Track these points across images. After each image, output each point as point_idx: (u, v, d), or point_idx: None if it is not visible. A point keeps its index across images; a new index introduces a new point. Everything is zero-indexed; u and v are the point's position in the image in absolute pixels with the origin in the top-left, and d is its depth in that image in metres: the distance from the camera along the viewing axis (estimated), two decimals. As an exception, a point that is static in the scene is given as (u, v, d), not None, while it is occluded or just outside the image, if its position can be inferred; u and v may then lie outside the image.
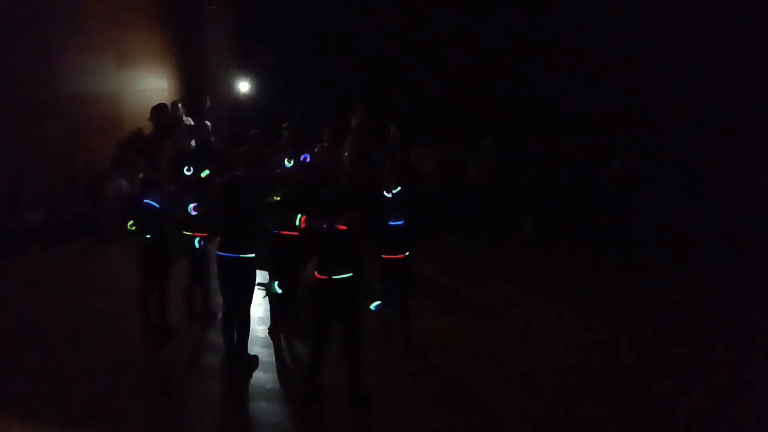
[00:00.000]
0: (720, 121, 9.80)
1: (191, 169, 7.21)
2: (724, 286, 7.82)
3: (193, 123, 11.68)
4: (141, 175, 9.79)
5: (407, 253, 6.12)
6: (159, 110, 11.52)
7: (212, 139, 11.42)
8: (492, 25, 11.43)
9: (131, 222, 6.58)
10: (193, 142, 11.32)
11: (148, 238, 6.29)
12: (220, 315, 6.39)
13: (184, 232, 6.69)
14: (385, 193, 6.42)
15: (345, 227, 5.02)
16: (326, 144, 10.66)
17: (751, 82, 9.60)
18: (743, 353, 6.08)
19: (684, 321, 6.82)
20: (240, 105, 12.79)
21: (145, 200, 6.34)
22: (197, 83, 13.07)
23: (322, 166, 9.53)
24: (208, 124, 11.37)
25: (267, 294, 6.59)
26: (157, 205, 6.31)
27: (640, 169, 9.77)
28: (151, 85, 12.31)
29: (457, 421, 4.99)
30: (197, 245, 6.57)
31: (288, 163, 7.87)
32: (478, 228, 9.86)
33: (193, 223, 6.64)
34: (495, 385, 5.48)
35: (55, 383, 5.55)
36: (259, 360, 5.92)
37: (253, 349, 6.07)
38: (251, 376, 5.67)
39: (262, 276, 6.32)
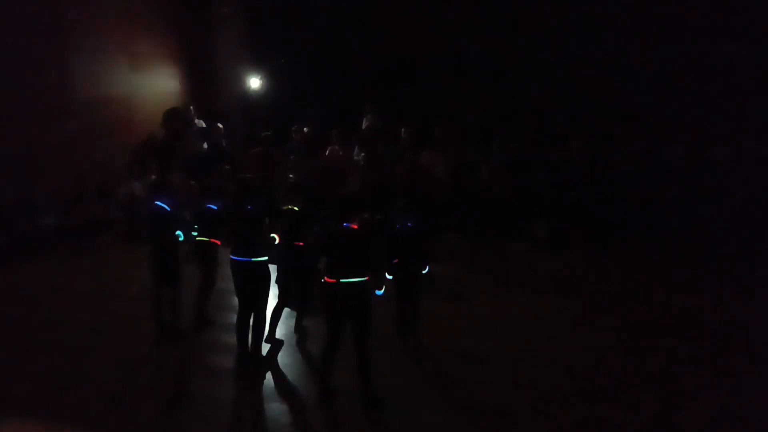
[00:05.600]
0: (731, 123, 9.76)
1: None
2: (738, 290, 7.75)
3: (204, 125, 11.75)
4: (153, 177, 9.88)
5: (417, 258, 6.19)
6: (171, 114, 11.61)
7: (224, 141, 11.48)
8: (503, 27, 11.43)
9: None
10: (205, 145, 11.39)
11: (159, 240, 6.32)
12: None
13: (198, 238, 6.69)
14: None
15: (356, 226, 5.04)
16: (336, 146, 10.68)
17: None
18: (753, 358, 6.04)
19: (693, 323, 6.77)
20: (251, 107, 12.86)
21: (156, 202, 6.38)
22: (209, 86, 13.15)
23: (333, 168, 9.57)
24: (220, 126, 11.44)
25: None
26: (167, 208, 6.34)
27: (651, 171, 9.71)
28: (163, 87, 12.39)
29: (467, 423, 4.98)
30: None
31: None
32: (490, 230, 9.84)
33: (207, 228, 6.67)
34: (506, 388, 5.47)
35: (69, 384, 5.60)
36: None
37: (264, 350, 6.08)
38: (264, 377, 5.69)
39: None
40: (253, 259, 5.65)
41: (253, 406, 5.28)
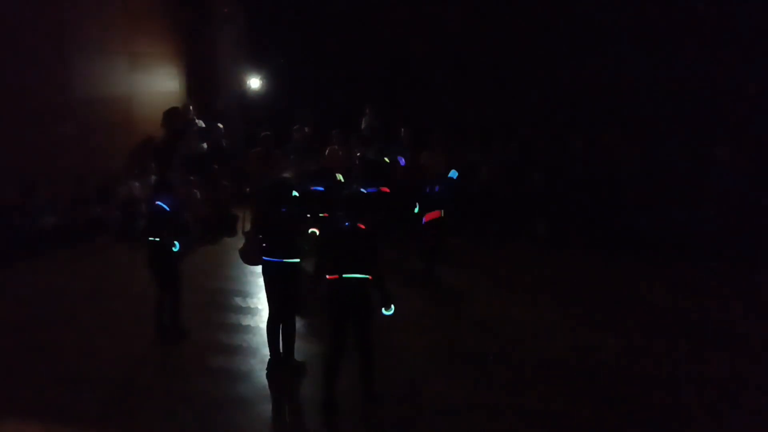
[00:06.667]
0: (731, 123, 9.77)
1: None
2: (738, 290, 7.75)
3: (204, 125, 11.75)
4: (153, 177, 9.88)
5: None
6: (171, 113, 11.61)
7: (224, 141, 11.49)
8: (503, 28, 11.44)
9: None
10: (204, 144, 11.41)
11: (158, 240, 6.30)
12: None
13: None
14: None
15: (364, 226, 5.04)
16: (336, 146, 10.67)
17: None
18: (754, 358, 6.04)
19: (693, 324, 6.78)
20: (251, 107, 12.86)
21: (157, 202, 6.37)
22: (208, 85, 13.15)
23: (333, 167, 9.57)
24: (220, 126, 11.44)
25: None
26: (167, 208, 6.33)
27: (651, 171, 9.72)
28: (163, 87, 12.39)
29: (467, 423, 4.98)
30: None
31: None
32: (490, 230, 9.84)
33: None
34: (506, 388, 5.47)
35: (68, 385, 5.59)
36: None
37: (264, 350, 6.06)
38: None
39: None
40: (286, 260, 5.56)
41: (252, 406, 5.27)
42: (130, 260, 8.71)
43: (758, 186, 8.92)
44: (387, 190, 7.58)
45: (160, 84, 12.34)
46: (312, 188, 7.76)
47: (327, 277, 5.06)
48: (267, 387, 5.54)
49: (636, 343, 6.34)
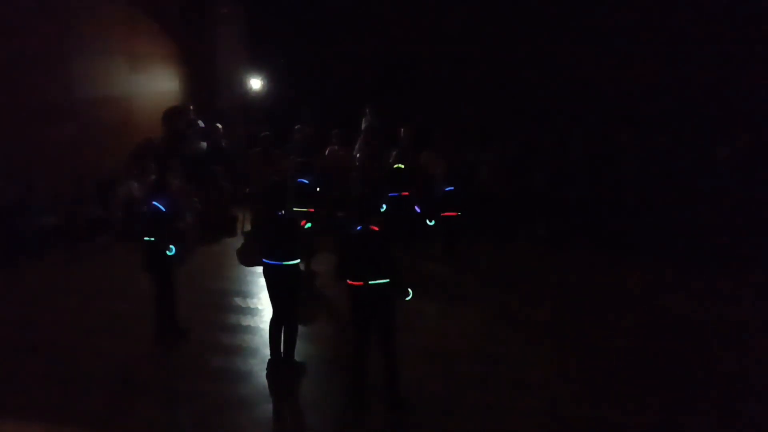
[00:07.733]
0: (733, 122, 9.76)
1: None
2: (739, 291, 7.74)
3: (203, 125, 11.75)
4: (152, 177, 9.88)
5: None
6: (172, 113, 11.60)
7: (223, 141, 11.48)
8: (503, 27, 11.45)
9: None
10: (204, 145, 11.39)
11: (153, 240, 6.28)
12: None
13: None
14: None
15: (377, 228, 5.00)
16: (336, 146, 10.68)
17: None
18: (756, 359, 6.04)
19: (694, 324, 6.78)
20: (251, 107, 12.86)
21: (153, 202, 6.36)
22: (208, 86, 13.15)
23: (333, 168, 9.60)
24: (219, 126, 11.43)
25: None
26: (163, 209, 6.31)
27: (651, 170, 9.71)
28: (163, 88, 12.39)
29: (466, 423, 4.98)
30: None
31: None
32: (490, 229, 9.84)
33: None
34: (506, 388, 5.47)
35: (69, 384, 5.59)
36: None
37: (264, 350, 6.07)
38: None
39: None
40: (285, 263, 5.55)
41: (251, 407, 5.27)
42: (130, 260, 8.69)
43: (758, 186, 8.92)
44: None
45: (160, 84, 12.33)
46: (297, 181, 7.92)
47: (348, 282, 5.01)
48: (267, 387, 5.54)
49: (638, 342, 6.34)
